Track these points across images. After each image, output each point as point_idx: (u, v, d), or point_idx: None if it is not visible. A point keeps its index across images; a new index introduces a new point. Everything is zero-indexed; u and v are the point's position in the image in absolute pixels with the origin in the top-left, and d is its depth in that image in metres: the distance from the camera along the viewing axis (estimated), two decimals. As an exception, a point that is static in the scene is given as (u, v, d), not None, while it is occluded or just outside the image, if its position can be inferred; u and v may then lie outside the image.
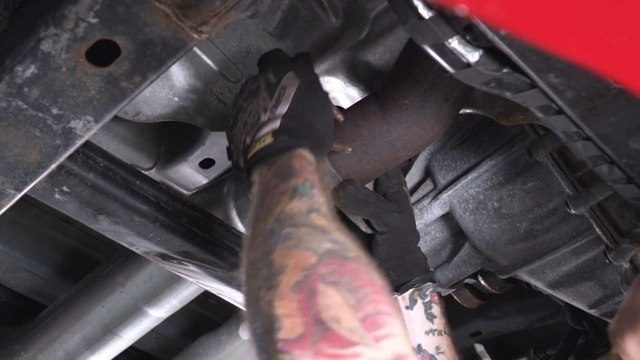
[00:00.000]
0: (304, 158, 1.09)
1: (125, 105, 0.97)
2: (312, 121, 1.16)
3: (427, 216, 1.67)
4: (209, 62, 1.69)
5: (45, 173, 1.02)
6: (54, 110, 0.93)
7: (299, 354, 0.81)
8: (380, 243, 1.44)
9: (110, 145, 1.91)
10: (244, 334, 2.05)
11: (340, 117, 1.36)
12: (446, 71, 0.88)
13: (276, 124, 1.13)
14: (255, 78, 1.24)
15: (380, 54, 1.60)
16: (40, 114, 0.93)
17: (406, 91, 1.29)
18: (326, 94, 1.24)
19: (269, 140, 1.11)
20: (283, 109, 1.14)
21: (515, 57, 0.82)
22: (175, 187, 2.01)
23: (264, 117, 1.15)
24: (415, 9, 0.82)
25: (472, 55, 0.85)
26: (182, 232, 1.37)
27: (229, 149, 1.26)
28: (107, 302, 1.80)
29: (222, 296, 1.59)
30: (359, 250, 0.92)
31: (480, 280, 1.84)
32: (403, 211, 1.44)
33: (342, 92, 1.70)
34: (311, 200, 0.99)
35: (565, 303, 1.74)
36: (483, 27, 0.79)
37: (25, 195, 1.07)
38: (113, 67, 0.91)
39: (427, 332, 1.40)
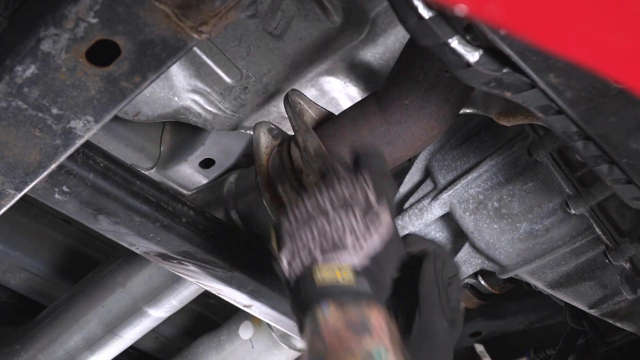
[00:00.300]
0: (381, 315, 0.96)
1: (125, 105, 0.97)
2: (390, 272, 1.03)
3: (427, 216, 1.67)
4: (209, 62, 1.69)
5: (45, 173, 1.02)
6: (54, 110, 0.93)
7: None
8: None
9: (110, 145, 1.91)
10: (244, 334, 2.05)
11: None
12: (446, 71, 0.88)
13: (361, 260, 0.99)
14: (353, 181, 1.05)
15: (380, 54, 1.60)
16: (40, 114, 0.93)
17: (406, 91, 1.29)
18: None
19: (349, 277, 0.97)
20: (371, 246, 1.00)
21: (515, 57, 0.82)
22: (175, 187, 2.01)
23: (349, 241, 1.00)
24: (415, 9, 0.82)
25: (472, 55, 0.85)
26: (182, 232, 1.37)
27: (278, 234, 1.06)
28: (107, 302, 1.80)
29: (222, 296, 1.59)
30: None
31: (480, 280, 1.84)
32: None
33: (342, 92, 1.70)
34: None
35: (565, 303, 1.74)
36: (483, 27, 0.79)
37: (25, 195, 1.07)
38: (113, 67, 0.91)
39: None
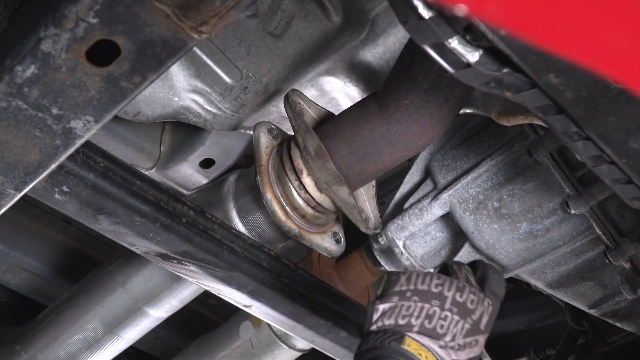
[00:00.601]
0: None
1: (125, 105, 0.97)
2: None
3: (427, 216, 1.67)
4: (209, 62, 1.69)
5: (45, 173, 1.02)
6: (54, 110, 0.93)
7: None
8: None
9: (110, 145, 1.91)
10: (244, 334, 2.05)
11: None
12: (446, 71, 0.88)
13: (448, 358, 1.04)
14: (480, 299, 1.09)
15: (380, 54, 1.60)
16: (40, 114, 0.93)
17: (406, 91, 1.29)
18: None
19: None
20: (462, 356, 1.05)
21: (515, 57, 0.82)
22: (175, 187, 2.01)
23: (447, 338, 1.05)
24: (415, 9, 0.82)
25: (472, 55, 0.85)
26: (182, 232, 1.37)
27: (389, 284, 1.11)
28: (107, 302, 1.80)
29: (222, 296, 1.59)
30: None
31: (480, 280, 1.83)
32: None
33: (342, 92, 1.70)
34: None
35: (565, 303, 1.74)
36: (483, 27, 0.79)
37: (25, 195, 1.07)
38: (113, 67, 0.90)
39: None
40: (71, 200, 1.22)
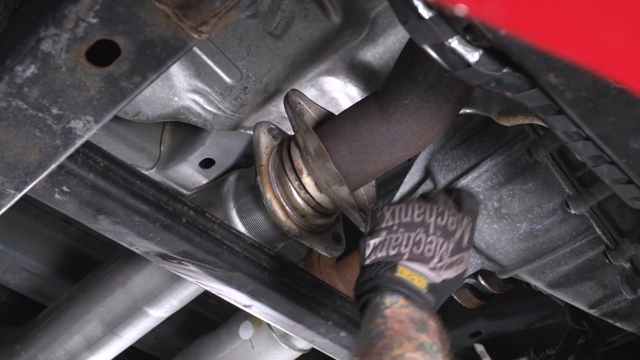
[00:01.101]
0: (439, 325, 1.09)
1: (125, 105, 0.97)
2: (445, 299, 1.18)
3: (427, 216, 1.66)
4: (209, 62, 1.69)
5: (45, 173, 1.02)
6: (54, 110, 0.93)
7: None
8: None
9: (110, 145, 1.91)
10: (244, 334, 2.05)
11: None
12: (446, 71, 0.88)
13: (438, 279, 1.12)
14: (460, 219, 1.17)
15: (380, 54, 1.60)
16: (40, 114, 0.93)
17: (406, 91, 1.29)
18: None
19: (423, 285, 1.11)
20: (447, 275, 1.14)
21: (515, 57, 0.82)
22: (175, 187, 2.01)
23: (435, 261, 1.13)
24: (415, 9, 0.82)
25: (472, 55, 0.85)
26: (182, 232, 1.37)
27: (374, 219, 1.19)
28: (107, 302, 1.80)
29: (222, 296, 1.59)
30: None
31: (480, 280, 1.84)
32: None
33: (342, 92, 1.70)
34: None
35: (565, 303, 1.74)
36: (483, 27, 0.79)
37: (25, 195, 1.07)
38: (113, 67, 0.90)
39: None
40: (71, 200, 1.22)
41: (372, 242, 1.16)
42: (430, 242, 1.14)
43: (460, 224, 1.17)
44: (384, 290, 1.10)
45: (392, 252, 1.14)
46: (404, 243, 1.14)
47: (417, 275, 1.11)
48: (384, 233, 1.16)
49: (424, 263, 1.12)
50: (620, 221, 1.46)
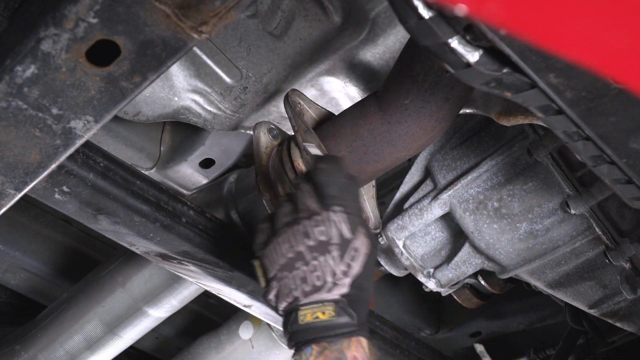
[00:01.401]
0: (360, 345, 1.04)
1: (125, 105, 0.97)
2: (369, 290, 1.09)
3: (427, 216, 1.67)
4: (209, 62, 1.69)
5: (45, 173, 1.02)
6: (54, 110, 0.93)
7: None
8: None
9: (110, 145, 1.91)
10: (244, 334, 2.05)
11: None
12: (446, 71, 0.88)
13: (342, 290, 1.05)
14: (324, 219, 1.07)
15: (380, 54, 1.60)
16: (40, 114, 0.93)
17: (406, 91, 1.29)
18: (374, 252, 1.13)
19: (330, 313, 1.04)
20: (352, 276, 1.06)
21: (515, 57, 0.82)
22: (175, 187, 2.01)
23: (329, 280, 1.05)
24: (415, 9, 0.82)
25: (472, 55, 0.85)
26: (182, 232, 1.37)
27: (254, 272, 1.12)
28: (107, 302, 1.80)
29: (222, 296, 1.59)
30: None
31: (480, 280, 1.84)
32: None
33: (342, 92, 1.70)
34: None
35: (565, 303, 1.74)
36: (483, 27, 0.79)
37: (25, 195, 1.07)
38: (113, 67, 0.90)
39: None
40: (71, 200, 1.22)
41: (270, 296, 1.09)
42: (314, 269, 1.05)
43: (330, 224, 1.07)
44: (300, 347, 1.05)
45: (289, 300, 1.07)
46: (292, 286, 1.06)
47: (318, 308, 1.04)
48: (274, 282, 1.08)
49: (321, 290, 1.05)
50: (620, 221, 1.46)
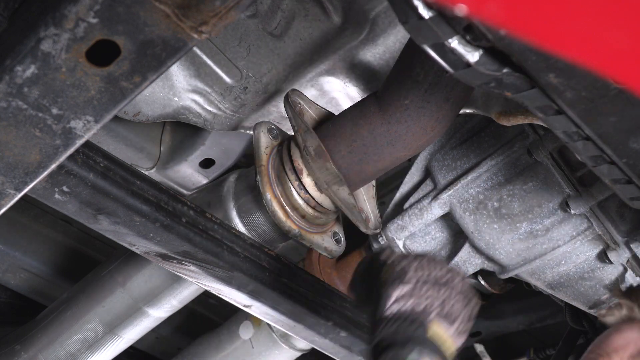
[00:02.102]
0: None
1: (125, 105, 0.97)
2: None
3: (427, 216, 1.67)
4: (209, 62, 1.69)
5: (45, 173, 1.02)
6: (54, 110, 0.93)
7: None
8: None
9: (110, 145, 1.91)
10: (244, 334, 2.05)
11: None
12: (446, 71, 0.88)
13: (457, 345, 1.08)
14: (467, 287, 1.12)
15: (380, 54, 1.60)
16: (40, 114, 0.93)
17: (406, 91, 1.29)
18: None
19: (451, 349, 1.06)
20: (460, 342, 1.10)
21: (515, 57, 0.82)
22: (175, 187, 2.01)
23: (457, 323, 1.08)
24: (415, 9, 0.82)
25: (472, 55, 0.85)
26: (182, 232, 1.37)
27: (396, 271, 1.10)
28: (107, 302, 1.80)
29: (222, 296, 1.59)
30: None
31: (480, 280, 1.84)
32: None
33: (342, 92, 1.70)
34: None
35: (565, 303, 1.74)
36: (483, 27, 0.79)
37: (25, 195, 1.07)
38: (113, 67, 0.90)
39: None
40: (71, 200, 1.22)
41: (396, 292, 1.07)
42: (455, 303, 1.08)
43: (472, 298, 1.12)
44: (409, 348, 1.01)
45: (419, 309, 1.05)
46: (431, 298, 1.06)
47: (447, 335, 1.05)
48: (409, 284, 1.07)
49: (451, 325, 1.06)
50: (620, 221, 1.46)
